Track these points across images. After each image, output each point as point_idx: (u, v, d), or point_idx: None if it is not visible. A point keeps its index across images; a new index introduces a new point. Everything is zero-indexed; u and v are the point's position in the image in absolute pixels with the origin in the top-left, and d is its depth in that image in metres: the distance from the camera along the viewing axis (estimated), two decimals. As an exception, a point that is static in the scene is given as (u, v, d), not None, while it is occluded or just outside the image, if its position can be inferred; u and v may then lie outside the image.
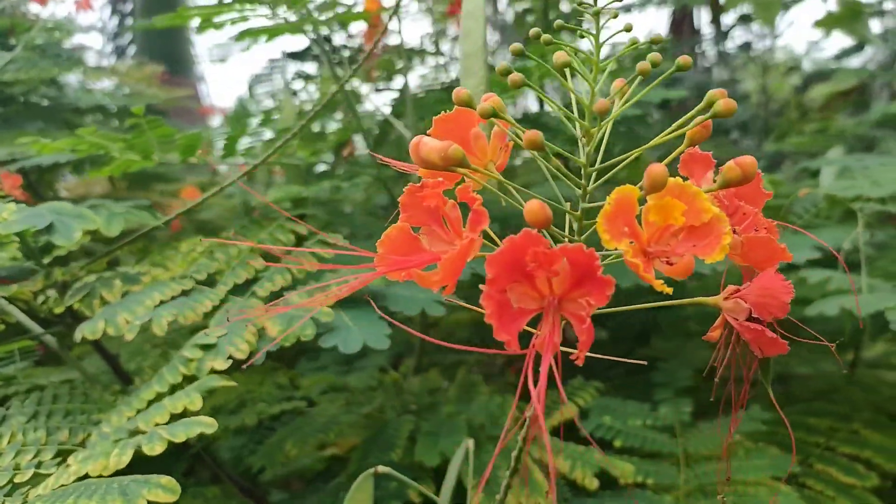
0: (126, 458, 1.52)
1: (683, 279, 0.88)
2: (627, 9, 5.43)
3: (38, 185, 4.08)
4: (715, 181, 0.97)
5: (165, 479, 1.41)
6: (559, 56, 0.99)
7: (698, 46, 6.86)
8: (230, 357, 1.79)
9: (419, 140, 1.01)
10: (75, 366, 2.31)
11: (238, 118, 3.04)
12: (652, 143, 0.99)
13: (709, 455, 2.73)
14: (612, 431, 2.70)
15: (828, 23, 3.90)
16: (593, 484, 2.43)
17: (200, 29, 2.57)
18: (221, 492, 2.51)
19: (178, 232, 3.77)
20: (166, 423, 1.65)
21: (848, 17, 3.75)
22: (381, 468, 1.68)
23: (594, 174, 1.06)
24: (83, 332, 1.88)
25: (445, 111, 1.16)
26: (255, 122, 2.92)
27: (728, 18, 6.63)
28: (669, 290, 0.83)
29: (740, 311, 1.00)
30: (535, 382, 0.85)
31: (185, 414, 1.67)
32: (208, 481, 2.70)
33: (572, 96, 1.04)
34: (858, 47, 4.81)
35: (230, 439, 2.81)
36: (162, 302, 1.99)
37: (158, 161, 2.48)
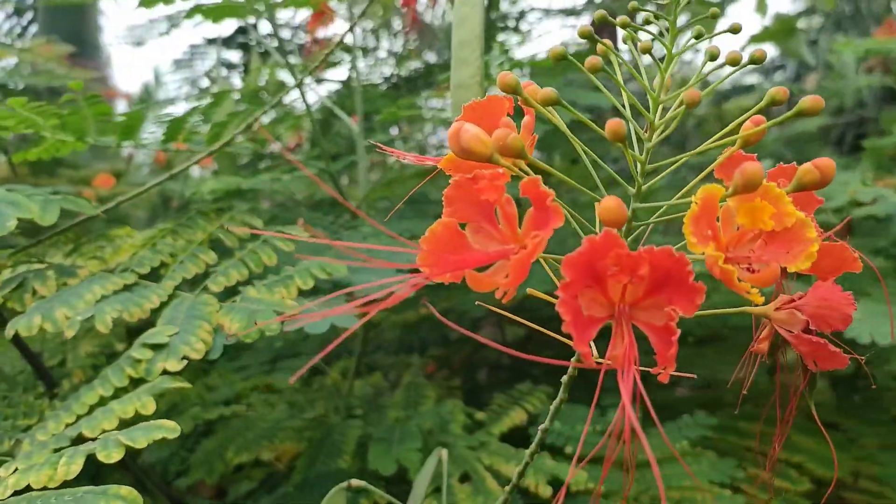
0: (76, 468, 1.35)
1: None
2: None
3: None
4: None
5: (125, 490, 1.26)
6: (643, 45, 0.91)
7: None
8: (185, 357, 1.64)
9: (460, 126, 0.91)
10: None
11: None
12: (708, 144, 0.92)
13: (660, 461, 2.72)
14: (563, 438, 2.66)
15: (763, 38, 3.99)
16: (546, 491, 2.38)
17: (147, 3, 2.37)
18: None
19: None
20: (117, 429, 1.49)
21: (783, 34, 3.84)
22: (356, 482, 1.57)
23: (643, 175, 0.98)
24: (17, 327, 1.68)
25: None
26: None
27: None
28: (761, 300, 0.76)
29: (796, 322, 0.95)
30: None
31: (137, 419, 1.51)
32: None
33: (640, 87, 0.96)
34: (779, 63, 4.97)
35: (156, 447, 2.61)
36: (104, 297, 1.81)
37: (94, 143, 2.27)
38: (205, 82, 5.59)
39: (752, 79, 6.51)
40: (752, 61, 0.89)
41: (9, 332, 1.69)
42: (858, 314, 2.49)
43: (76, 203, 1.95)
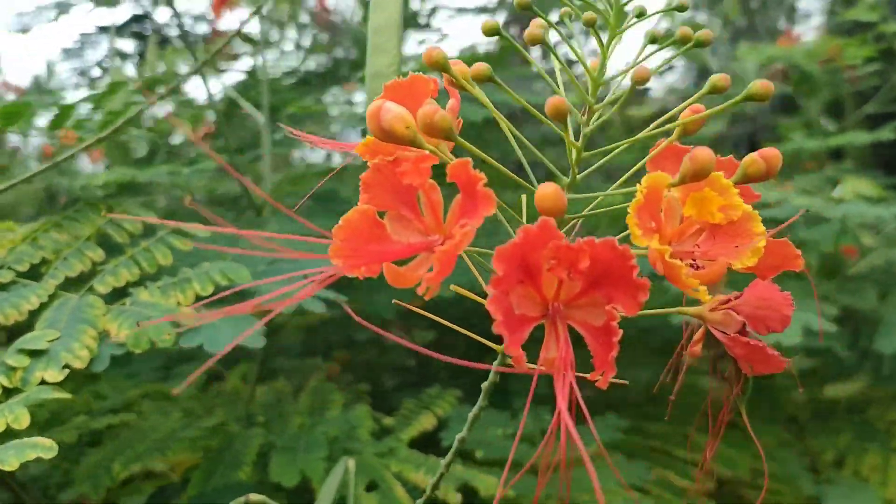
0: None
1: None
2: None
3: None
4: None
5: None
6: (586, 17, 0.83)
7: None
8: (66, 366, 1.48)
9: (381, 105, 0.81)
10: None
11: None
12: (647, 131, 0.85)
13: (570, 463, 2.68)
14: (473, 442, 2.59)
15: (664, 42, 4.02)
16: (455, 499, 2.30)
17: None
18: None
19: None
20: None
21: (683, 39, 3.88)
22: (254, 496, 1.45)
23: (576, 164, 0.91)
24: None
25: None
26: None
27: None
28: (708, 298, 0.70)
29: (732, 323, 0.89)
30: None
31: (8, 434, 1.34)
32: (8, 508, 2.29)
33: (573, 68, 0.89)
34: (669, 66, 5.05)
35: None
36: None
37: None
38: (96, 72, 5.29)
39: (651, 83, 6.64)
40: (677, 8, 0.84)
41: None
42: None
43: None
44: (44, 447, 1.25)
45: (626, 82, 0.86)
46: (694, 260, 0.76)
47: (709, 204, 0.73)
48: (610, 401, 3.59)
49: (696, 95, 0.87)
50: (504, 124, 0.86)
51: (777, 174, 0.80)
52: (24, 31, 5.24)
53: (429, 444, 2.60)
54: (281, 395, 2.64)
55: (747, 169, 0.80)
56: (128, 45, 5.15)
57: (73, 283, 1.76)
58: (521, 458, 2.60)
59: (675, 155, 0.96)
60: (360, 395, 2.88)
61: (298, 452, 2.20)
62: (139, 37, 5.05)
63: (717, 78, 0.84)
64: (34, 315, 1.64)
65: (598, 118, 0.91)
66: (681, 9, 0.88)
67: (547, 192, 0.70)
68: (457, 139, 0.78)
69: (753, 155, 0.81)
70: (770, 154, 0.80)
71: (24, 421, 1.37)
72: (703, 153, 0.70)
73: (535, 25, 0.91)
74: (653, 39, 0.90)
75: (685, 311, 0.93)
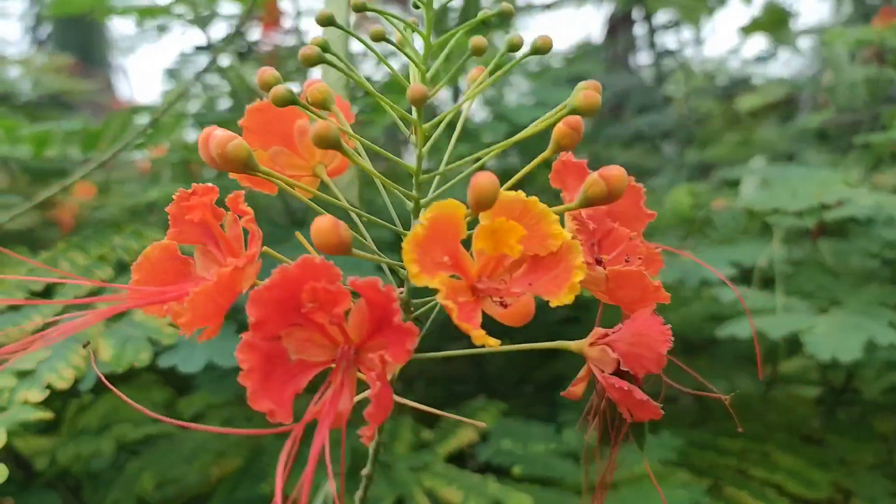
0: None
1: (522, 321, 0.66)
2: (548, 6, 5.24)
3: None
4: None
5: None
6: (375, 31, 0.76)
7: (632, 50, 6.75)
8: (48, 386, 1.52)
9: (209, 132, 0.77)
10: None
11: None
12: (495, 149, 0.76)
13: (617, 483, 2.55)
14: (512, 457, 2.50)
15: (752, 28, 3.78)
16: (486, 516, 2.23)
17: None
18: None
19: (72, 232, 3.47)
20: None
21: (772, 23, 3.63)
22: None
23: (435, 183, 0.84)
24: None
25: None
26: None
27: (659, 21, 6.53)
28: (495, 344, 0.61)
29: (607, 361, 0.79)
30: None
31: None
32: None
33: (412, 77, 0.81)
34: (771, 52, 4.75)
35: (90, 464, 2.51)
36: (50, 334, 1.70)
37: (8, 154, 2.18)
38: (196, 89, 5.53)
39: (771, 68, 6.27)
40: (535, 51, 0.74)
41: None
42: (824, 327, 2.30)
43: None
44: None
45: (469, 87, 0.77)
46: (502, 297, 0.67)
47: (505, 236, 0.64)
48: (683, 415, 3.41)
49: (558, 107, 0.77)
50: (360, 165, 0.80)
51: (620, 195, 0.69)
52: (131, 52, 5.56)
53: (466, 458, 2.54)
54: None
55: (587, 191, 0.70)
56: (224, 61, 5.35)
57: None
58: (562, 476, 2.49)
59: (579, 171, 0.87)
60: (401, 407, 2.83)
61: (321, 464, 2.18)
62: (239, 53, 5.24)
63: (580, 86, 0.74)
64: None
65: (434, 138, 0.82)
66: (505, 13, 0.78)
67: (321, 226, 0.63)
68: (258, 169, 0.72)
69: (594, 175, 0.71)
70: (611, 174, 0.70)
71: (1, 440, 1.41)
72: (483, 179, 0.61)
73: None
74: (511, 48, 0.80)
75: (566, 346, 0.83)
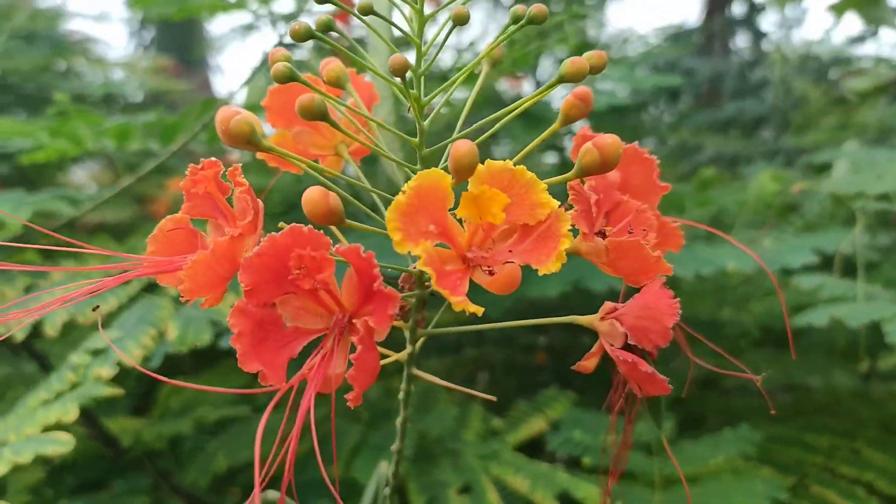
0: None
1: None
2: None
3: (34, 175, 3.92)
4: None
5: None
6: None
7: (732, 32, 6.55)
8: (119, 363, 1.61)
9: (223, 110, 0.80)
10: (9, 362, 2.17)
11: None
12: (501, 123, 0.76)
13: (691, 477, 2.49)
14: (581, 447, 2.47)
15: (843, 7, 3.60)
16: (553, 507, 2.21)
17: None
18: (153, 503, 2.34)
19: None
20: (40, 433, 1.47)
21: (864, 1, 3.44)
22: (270, 494, 1.48)
23: (444, 156, 0.84)
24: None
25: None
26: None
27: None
28: (478, 311, 0.62)
29: (616, 335, 0.78)
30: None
31: (57, 426, 1.48)
32: (148, 489, 2.53)
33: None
34: (872, 32, 4.49)
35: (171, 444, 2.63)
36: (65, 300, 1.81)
37: (93, 147, 2.30)
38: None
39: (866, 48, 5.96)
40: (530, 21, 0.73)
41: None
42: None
43: (53, 205, 1.97)
44: (61, 442, 1.35)
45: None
46: (490, 266, 0.67)
47: (487, 203, 0.64)
48: (765, 410, 3.28)
49: (549, 84, 0.76)
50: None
51: (614, 163, 0.68)
52: (221, 50, 5.79)
53: (535, 447, 2.53)
54: (390, 392, 2.68)
55: (582, 160, 0.70)
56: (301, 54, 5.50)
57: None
58: (632, 469, 2.45)
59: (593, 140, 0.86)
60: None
61: (386, 450, 2.22)
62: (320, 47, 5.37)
63: (573, 59, 0.74)
64: (112, 316, 1.80)
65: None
66: None
67: (312, 196, 0.65)
68: (261, 145, 0.75)
69: (588, 144, 0.70)
70: (604, 142, 0.69)
71: (72, 414, 1.50)
72: (461, 147, 0.62)
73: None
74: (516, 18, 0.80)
75: (578, 321, 0.83)
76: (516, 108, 0.76)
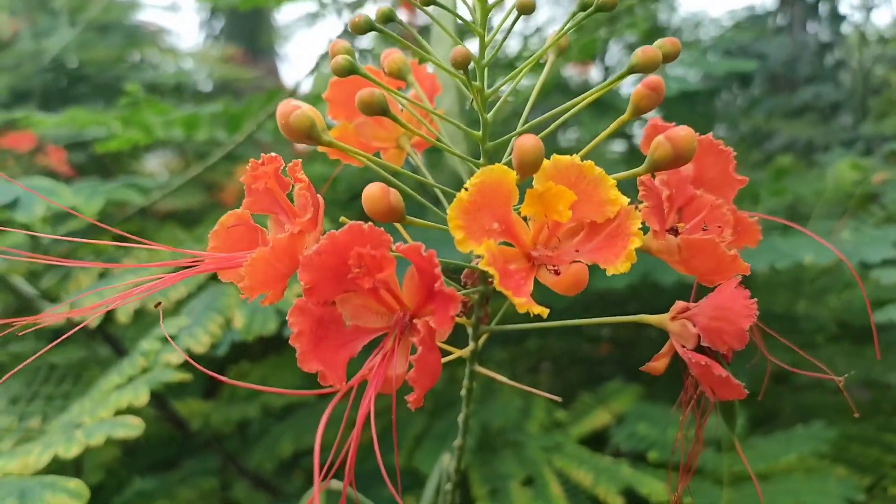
0: (46, 459, 1.37)
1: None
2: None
3: (110, 163, 4.01)
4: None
5: (74, 483, 1.26)
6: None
7: (810, 16, 6.32)
8: (188, 350, 1.63)
9: (284, 105, 0.79)
10: (85, 345, 2.24)
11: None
12: (565, 117, 0.73)
13: (761, 474, 2.42)
14: (647, 442, 2.42)
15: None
16: (617, 502, 2.18)
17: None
18: (220, 483, 2.39)
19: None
20: (113, 416, 1.50)
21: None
22: (334, 484, 1.49)
23: (508, 150, 0.82)
24: (48, 317, 1.75)
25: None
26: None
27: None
28: (543, 312, 0.59)
29: (688, 336, 0.75)
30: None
31: (129, 410, 1.52)
32: (216, 469, 2.58)
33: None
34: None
35: (239, 427, 2.68)
36: (136, 286, 1.84)
37: (163, 136, 2.35)
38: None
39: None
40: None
41: (44, 320, 1.76)
42: None
43: (124, 194, 2.01)
44: (131, 426, 1.38)
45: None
46: (556, 265, 0.64)
47: (553, 201, 0.61)
48: (845, 408, 3.18)
49: (627, 67, 0.73)
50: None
51: (688, 157, 0.65)
52: (286, 39, 5.84)
53: (599, 441, 2.49)
54: (454, 380, 2.67)
55: (654, 154, 0.66)
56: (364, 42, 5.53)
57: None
58: (701, 465, 2.39)
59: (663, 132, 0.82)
60: (538, 386, 2.81)
61: (449, 440, 2.21)
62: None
63: (646, 48, 0.70)
64: (180, 304, 1.83)
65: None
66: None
67: (371, 193, 0.64)
68: (322, 139, 0.74)
69: (660, 137, 0.66)
70: (677, 135, 0.65)
71: (143, 398, 1.53)
72: (526, 141, 0.59)
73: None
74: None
75: (647, 320, 0.79)
76: (584, 100, 0.73)
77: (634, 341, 3.39)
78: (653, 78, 0.75)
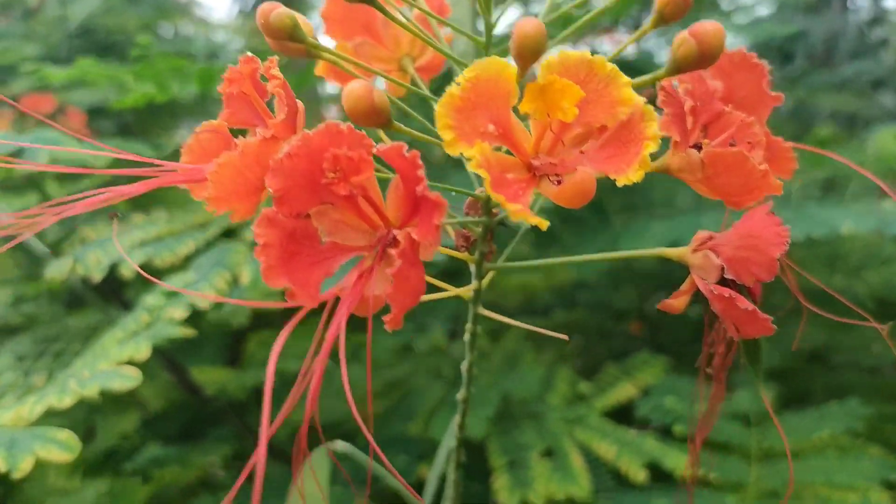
0: (39, 410, 1.32)
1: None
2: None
3: (135, 128, 3.97)
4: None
5: (65, 434, 1.21)
6: None
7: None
8: (191, 306, 1.58)
9: (267, 4, 0.71)
10: (96, 305, 2.21)
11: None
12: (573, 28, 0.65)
13: (792, 451, 2.32)
14: (673, 415, 2.33)
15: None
16: (640, 476, 2.10)
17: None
18: (235, 452, 2.35)
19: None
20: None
21: None
22: (341, 445, 1.42)
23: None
24: (51, 272, 1.72)
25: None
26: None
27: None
28: (542, 224, 0.51)
29: (710, 268, 0.66)
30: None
31: (130, 364, 1.47)
32: (231, 437, 2.54)
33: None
34: None
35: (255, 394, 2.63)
36: (143, 243, 1.80)
37: (179, 93, 2.29)
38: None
39: None
40: None
41: (47, 275, 1.73)
42: None
43: (136, 148, 1.96)
44: (128, 377, 1.33)
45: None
46: (559, 174, 0.56)
47: (556, 96, 0.53)
48: (883, 387, 3.07)
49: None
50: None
51: (715, 56, 0.56)
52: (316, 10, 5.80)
53: (624, 413, 2.41)
54: (480, 352, 2.60)
55: (676, 53, 0.58)
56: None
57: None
58: (728, 440, 2.30)
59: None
60: (562, 357, 2.73)
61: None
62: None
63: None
64: (188, 259, 1.78)
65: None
66: None
67: (353, 91, 0.56)
68: (304, 40, 0.66)
69: (683, 33, 0.58)
70: (704, 30, 0.56)
71: (144, 352, 1.48)
72: (527, 24, 0.51)
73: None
74: None
75: (666, 253, 0.71)
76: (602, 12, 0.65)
77: (664, 320, 3.30)
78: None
